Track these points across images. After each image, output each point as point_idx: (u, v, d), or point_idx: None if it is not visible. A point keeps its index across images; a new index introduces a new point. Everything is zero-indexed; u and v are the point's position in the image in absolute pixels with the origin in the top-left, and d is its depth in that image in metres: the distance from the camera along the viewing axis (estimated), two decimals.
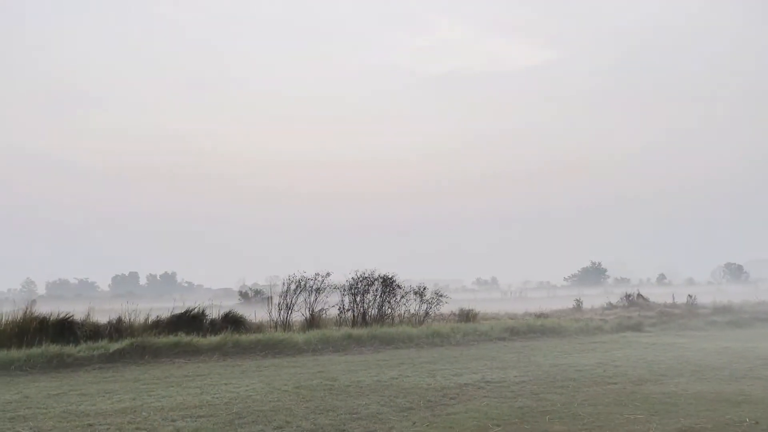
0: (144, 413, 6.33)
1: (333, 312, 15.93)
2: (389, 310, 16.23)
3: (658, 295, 27.05)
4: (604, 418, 5.84)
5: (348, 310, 15.96)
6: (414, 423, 5.81)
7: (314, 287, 15.80)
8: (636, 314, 18.87)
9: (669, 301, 23.14)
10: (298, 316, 15.41)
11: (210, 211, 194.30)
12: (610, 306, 23.12)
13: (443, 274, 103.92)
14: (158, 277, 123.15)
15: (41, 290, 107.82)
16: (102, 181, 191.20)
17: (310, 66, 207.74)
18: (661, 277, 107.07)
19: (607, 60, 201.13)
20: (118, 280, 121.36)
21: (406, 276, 17.90)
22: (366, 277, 16.38)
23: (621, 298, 24.46)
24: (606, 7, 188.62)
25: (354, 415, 6.12)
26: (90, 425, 5.83)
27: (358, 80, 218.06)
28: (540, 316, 18.61)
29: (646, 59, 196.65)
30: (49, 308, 13.64)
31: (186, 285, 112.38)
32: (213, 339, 11.72)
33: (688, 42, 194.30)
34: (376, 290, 16.37)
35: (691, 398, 6.78)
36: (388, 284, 16.40)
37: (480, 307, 19.65)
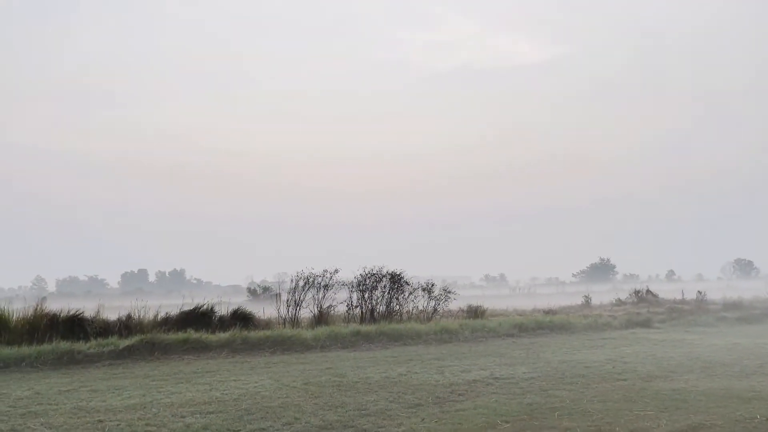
0: (154, 409, 6.37)
1: (341, 309, 15.95)
2: (397, 306, 16.24)
3: (667, 292, 26.93)
4: (613, 415, 5.82)
5: (356, 306, 15.99)
6: (422, 419, 5.81)
7: (322, 284, 15.83)
8: (645, 310, 18.77)
9: (678, 297, 23.03)
10: (306, 312, 15.44)
11: (218, 208, 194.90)
12: (619, 302, 23.02)
13: (451, 270, 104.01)
14: (167, 274, 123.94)
15: (51, 287, 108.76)
16: (111, 178, 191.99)
17: (316, 63, 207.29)
18: (671, 274, 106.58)
19: (616, 57, 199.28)
20: (127, 277, 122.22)
21: (414, 272, 17.91)
22: (374, 274, 16.41)
23: (630, 295, 24.36)
24: (615, 4, 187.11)
25: (362, 412, 6.14)
26: (100, 421, 5.87)
27: (364, 77, 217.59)
28: (548, 312, 18.58)
29: (656, 55, 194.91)
30: (59, 305, 13.74)
31: (195, 282, 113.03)
32: (222, 336, 11.77)
33: (698, 39, 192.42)
34: (385, 287, 16.38)
35: (701, 395, 6.75)
36: (396, 281, 16.41)
37: (488, 304, 19.63)
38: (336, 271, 16.37)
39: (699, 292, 23.14)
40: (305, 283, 15.74)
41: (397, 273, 16.60)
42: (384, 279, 16.32)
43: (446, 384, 7.72)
